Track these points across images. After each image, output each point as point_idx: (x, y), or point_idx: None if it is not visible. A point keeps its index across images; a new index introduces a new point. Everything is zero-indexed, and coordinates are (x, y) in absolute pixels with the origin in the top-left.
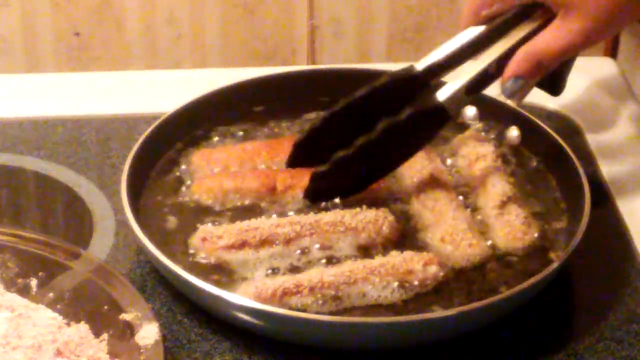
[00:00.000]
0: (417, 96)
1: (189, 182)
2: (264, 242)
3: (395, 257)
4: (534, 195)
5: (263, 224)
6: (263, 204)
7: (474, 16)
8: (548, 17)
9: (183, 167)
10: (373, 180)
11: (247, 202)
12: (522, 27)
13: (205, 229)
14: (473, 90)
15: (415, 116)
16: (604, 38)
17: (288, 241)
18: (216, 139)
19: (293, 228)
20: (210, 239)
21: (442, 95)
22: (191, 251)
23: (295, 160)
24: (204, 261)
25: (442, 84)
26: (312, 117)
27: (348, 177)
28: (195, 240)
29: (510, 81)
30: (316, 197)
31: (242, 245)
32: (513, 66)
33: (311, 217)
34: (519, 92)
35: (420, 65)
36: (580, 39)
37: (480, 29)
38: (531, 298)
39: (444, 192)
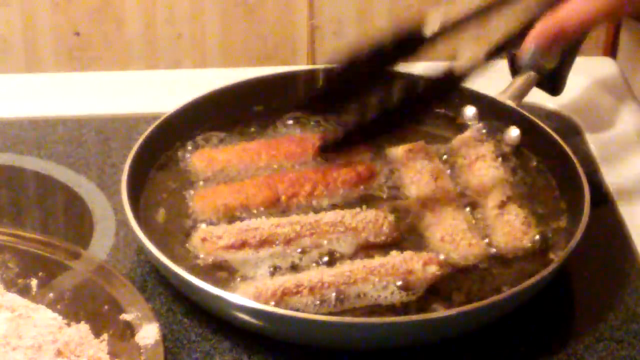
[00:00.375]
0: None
1: (190, 185)
2: (264, 242)
3: (395, 257)
4: (533, 195)
5: (263, 224)
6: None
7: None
8: None
9: (183, 167)
10: (383, 136)
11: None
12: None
13: (205, 229)
14: (491, 56)
15: (433, 86)
16: (627, 11)
17: (288, 241)
18: (216, 138)
19: (293, 228)
20: (210, 239)
21: (462, 56)
22: (191, 251)
23: (309, 108)
24: (204, 261)
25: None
26: (310, 117)
27: (359, 137)
28: (195, 240)
29: (531, 48)
30: (328, 153)
31: (242, 245)
32: (535, 33)
33: (311, 217)
34: (538, 61)
35: (428, 29)
36: (605, 12)
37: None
38: (531, 298)
39: (444, 192)
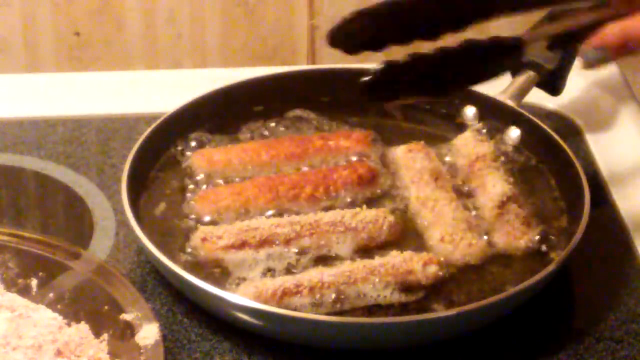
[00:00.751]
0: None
1: (190, 188)
2: (264, 242)
3: (395, 257)
4: (533, 195)
5: (263, 224)
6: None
7: (613, 53)
8: None
9: (183, 167)
10: (427, 93)
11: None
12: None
13: (205, 229)
14: (554, 45)
15: (496, 43)
16: None
17: (288, 241)
18: (216, 138)
19: (293, 228)
20: (210, 239)
21: (526, 36)
22: (191, 251)
23: (336, 37)
24: (204, 261)
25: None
26: (309, 112)
27: (413, 80)
28: (195, 240)
29: (594, 49)
30: (373, 92)
31: (242, 245)
32: (602, 36)
33: (311, 217)
34: (596, 63)
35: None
36: None
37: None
38: (531, 298)
39: (444, 192)
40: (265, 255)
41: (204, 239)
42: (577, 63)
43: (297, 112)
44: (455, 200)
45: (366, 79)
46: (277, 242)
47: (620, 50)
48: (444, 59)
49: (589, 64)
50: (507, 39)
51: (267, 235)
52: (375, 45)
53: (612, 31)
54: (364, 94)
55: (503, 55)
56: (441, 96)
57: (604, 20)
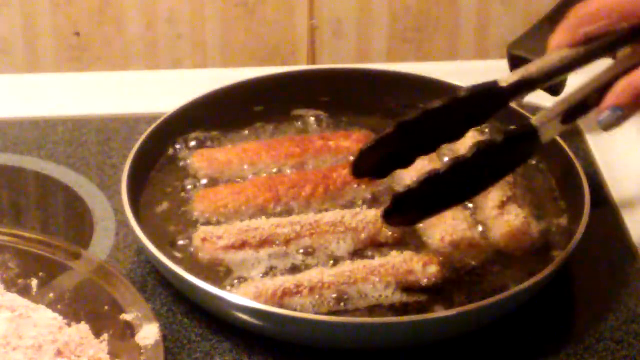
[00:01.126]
0: (497, 113)
1: (189, 187)
2: (264, 242)
3: (395, 257)
4: (533, 195)
5: (263, 224)
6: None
7: (571, 33)
8: None
9: (183, 167)
10: (450, 205)
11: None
12: (626, 53)
13: (205, 229)
14: (569, 118)
15: (510, 139)
16: None
17: (288, 241)
18: (216, 139)
19: (293, 228)
20: (210, 239)
21: (537, 120)
22: (191, 251)
23: (359, 169)
24: (204, 261)
25: (537, 109)
26: (309, 112)
27: (430, 198)
28: (195, 240)
29: (608, 111)
30: (394, 217)
31: (242, 245)
32: (613, 96)
33: (311, 217)
34: (614, 124)
35: (503, 81)
36: None
37: (570, 50)
38: (531, 298)
39: None
40: (265, 255)
41: (204, 239)
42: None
43: (297, 112)
44: None
45: (386, 209)
46: (277, 242)
47: (636, 104)
48: (459, 169)
49: (607, 126)
50: (520, 132)
51: (267, 235)
52: (400, 163)
53: (623, 88)
54: (387, 222)
55: (518, 150)
56: (459, 203)
57: (612, 80)
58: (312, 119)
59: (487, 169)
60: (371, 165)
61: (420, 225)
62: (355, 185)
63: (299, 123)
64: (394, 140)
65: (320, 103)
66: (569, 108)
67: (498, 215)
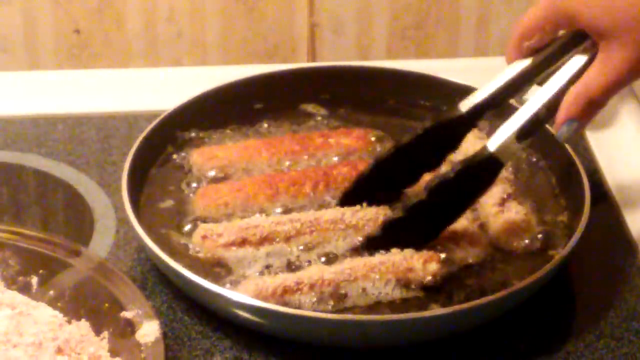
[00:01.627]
0: (463, 138)
1: (189, 185)
2: (264, 240)
3: (396, 255)
4: (534, 193)
5: (263, 222)
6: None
7: (517, 49)
8: (595, 50)
9: (183, 164)
10: (426, 238)
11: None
12: (570, 61)
13: (206, 226)
14: (524, 136)
15: (467, 170)
16: None
17: (288, 239)
18: (216, 136)
19: (293, 225)
20: (211, 237)
21: (492, 144)
22: (192, 248)
23: (349, 197)
24: (204, 258)
25: (492, 129)
26: (310, 109)
27: (396, 239)
28: (195, 238)
29: (564, 125)
30: (374, 247)
31: (243, 243)
32: (565, 110)
33: (311, 214)
34: (572, 134)
35: (464, 106)
36: (627, 70)
37: (525, 62)
38: (531, 296)
39: None
40: (265, 253)
41: (204, 237)
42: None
43: (298, 109)
44: None
45: (366, 239)
46: (278, 240)
47: (589, 113)
48: (417, 210)
49: (566, 139)
50: (477, 162)
51: (268, 232)
52: (386, 199)
53: (573, 101)
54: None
55: (479, 178)
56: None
57: (559, 93)
58: (312, 116)
59: (447, 203)
60: (353, 198)
61: None
62: None
63: (299, 120)
64: (373, 179)
65: (320, 100)
66: (521, 128)
67: (498, 212)
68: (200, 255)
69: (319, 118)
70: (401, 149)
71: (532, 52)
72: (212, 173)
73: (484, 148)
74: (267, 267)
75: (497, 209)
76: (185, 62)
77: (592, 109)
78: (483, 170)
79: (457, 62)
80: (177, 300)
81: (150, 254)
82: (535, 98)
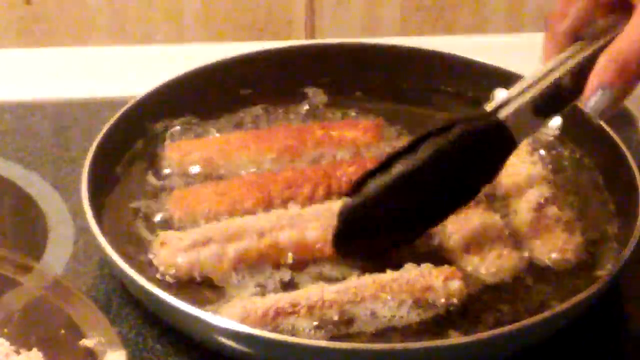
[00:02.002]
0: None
1: (164, 187)
2: (232, 238)
3: (411, 271)
4: (577, 196)
5: (232, 223)
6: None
7: (553, 42)
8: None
9: (156, 162)
10: (413, 232)
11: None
12: (598, 29)
13: (166, 233)
14: (544, 109)
15: (469, 137)
16: None
17: (261, 235)
18: (196, 129)
19: (269, 220)
20: (170, 242)
21: (502, 113)
22: (162, 263)
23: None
24: (180, 276)
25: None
26: (308, 96)
27: (383, 222)
28: (155, 247)
29: (595, 95)
30: (346, 247)
31: (207, 242)
32: (596, 75)
33: (294, 209)
34: (607, 108)
35: (490, 107)
36: None
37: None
38: (573, 321)
39: None
40: (252, 270)
41: (162, 243)
42: None
43: (293, 96)
44: (483, 202)
45: (334, 231)
46: (247, 237)
47: (624, 79)
48: (413, 181)
49: (599, 112)
50: (485, 130)
51: (236, 229)
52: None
53: (606, 64)
54: (338, 250)
55: (489, 154)
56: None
57: (585, 62)
58: (311, 104)
59: (446, 180)
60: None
61: (442, 232)
62: None
63: (296, 109)
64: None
65: (321, 85)
66: (539, 96)
67: (534, 219)
68: (175, 271)
69: (319, 106)
70: (418, 169)
71: (569, 38)
72: (190, 172)
73: (490, 113)
74: (257, 287)
75: (533, 215)
76: (157, 38)
77: (627, 74)
78: (489, 142)
79: (485, 39)
80: (148, 326)
81: (116, 269)
82: (557, 61)
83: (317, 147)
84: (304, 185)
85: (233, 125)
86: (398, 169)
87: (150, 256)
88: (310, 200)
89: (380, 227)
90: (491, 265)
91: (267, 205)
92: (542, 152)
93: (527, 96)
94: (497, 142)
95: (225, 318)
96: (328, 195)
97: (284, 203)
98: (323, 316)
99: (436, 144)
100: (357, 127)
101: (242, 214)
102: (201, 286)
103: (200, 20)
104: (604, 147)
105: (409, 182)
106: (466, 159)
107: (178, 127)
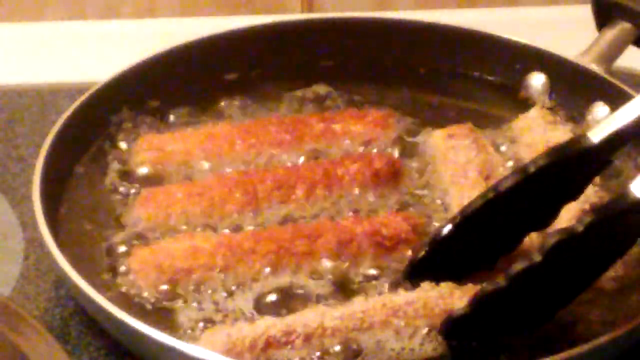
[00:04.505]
0: (590, 181)
1: (129, 190)
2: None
3: (428, 292)
4: None
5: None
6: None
7: None
8: None
9: (121, 160)
10: (535, 322)
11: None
12: None
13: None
14: None
15: (602, 224)
16: None
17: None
18: (170, 120)
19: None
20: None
21: (638, 187)
22: (133, 282)
23: (417, 274)
24: (151, 297)
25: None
26: (305, 82)
27: (498, 315)
28: (132, 263)
29: None
30: (457, 337)
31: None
32: None
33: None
34: None
35: (596, 136)
36: None
37: None
38: (625, 350)
39: None
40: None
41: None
42: None
43: (288, 82)
44: None
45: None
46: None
47: None
48: (533, 280)
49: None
50: (619, 215)
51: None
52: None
53: None
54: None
55: (622, 232)
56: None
57: None
58: (309, 92)
59: (570, 270)
60: (435, 265)
61: None
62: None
63: (291, 98)
64: (457, 240)
65: (320, 69)
66: None
67: None
68: (146, 293)
69: (319, 94)
70: (500, 196)
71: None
72: (162, 171)
73: (627, 192)
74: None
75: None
76: (124, 12)
77: None
78: (625, 223)
79: (516, 12)
80: (112, 357)
81: (74, 290)
82: None
83: (316, 142)
84: (298, 185)
85: (216, 117)
86: (514, 270)
87: (132, 277)
88: (306, 202)
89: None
90: None
91: (253, 208)
92: None
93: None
94: (631, 223)
95: (206, 349)
96: (327, 197)
97: (274, 206)
98: (323, 347)
99: (566, 233)
100: (364, 120)
101: (221, 217)
102: (176, 310)
103: None
104: None
105: (527, 283)
106: (603, 243)
107: (149, 119)
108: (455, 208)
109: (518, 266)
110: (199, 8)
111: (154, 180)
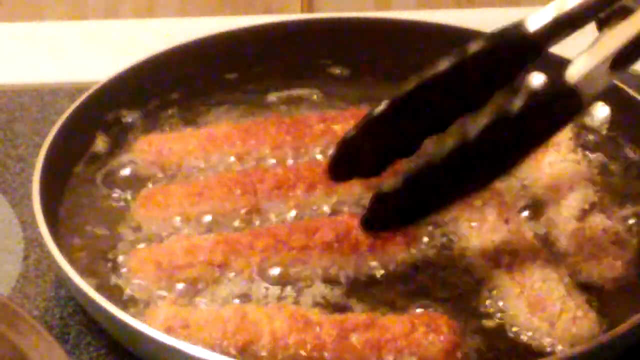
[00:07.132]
0: (526, 69)
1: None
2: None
3: (418, 317)
4: (629, 202)
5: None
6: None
7: None
8: None
9: (121, 160)
10: (453, 200)
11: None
12: None
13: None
14: (621, 63)
15: (534, 107)
16: None
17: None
18: (169, 120)
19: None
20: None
21: (573, 73)
22: (132, 283)
23: (340, 167)
24: (151, 298)
25: (567, 60)
26: (305, 82)
27: (423, 196)
28: (132, 261)
29: None
30: (376, 224)
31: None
32: None
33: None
34: None
35: (532, 24)
36: None
37: None
38: (625, 351)
39: (498, 198)
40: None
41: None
42: None
43: (287, 81)
44: (515, 215)
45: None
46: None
47: None
48: (460, 157)
49: None
50: (548, 97)
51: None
52: (401, 152)
53: None
54: (366, 228)
55: (546, 120)
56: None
57: None
58: (309, 92)
59: (501, 150)
60: (359, 160)
61: (480, 268)
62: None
63: (291, 98)
64: (389, 122)
65: (321, 69)
66: (617, 53)
67: (577, 230)
68: (145, 293)
69: (319, 94)
70: (432, 81)
71: None
72: (162, 170)
73: (562, 78)
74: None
75: (577, 225)
76: (124, 12)
77: None
78: (554, 109)
79: (519, 12)
80: (112, 357)
81: (75, 290)
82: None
83: (315, 143)
84: (298, 185)
85: (215, 117)
86: (447, 148)
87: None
88: (305, 201)
89: (412, 204)
90: (564, 331)
91: (252, 208)
92: (589, 149)
93: (604, 55)
94: (566, 108)
95: (204, 348)
96: (327, 196)
97: (273, 206)
98: None
99: (495, 119)
100: None
101: (221, 216)
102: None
103: None
104: None
105: (458, 163)
106: (527, 130)
107: (149, 119)
108: (461, 218)
109: (450, 143)
110: (199, 8)
111: (153, 180)
